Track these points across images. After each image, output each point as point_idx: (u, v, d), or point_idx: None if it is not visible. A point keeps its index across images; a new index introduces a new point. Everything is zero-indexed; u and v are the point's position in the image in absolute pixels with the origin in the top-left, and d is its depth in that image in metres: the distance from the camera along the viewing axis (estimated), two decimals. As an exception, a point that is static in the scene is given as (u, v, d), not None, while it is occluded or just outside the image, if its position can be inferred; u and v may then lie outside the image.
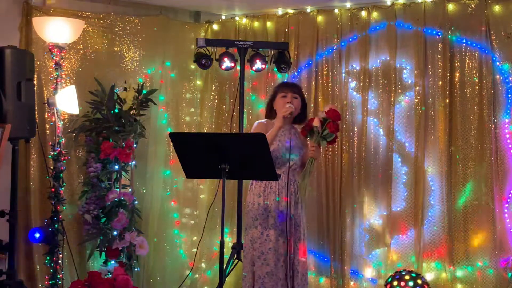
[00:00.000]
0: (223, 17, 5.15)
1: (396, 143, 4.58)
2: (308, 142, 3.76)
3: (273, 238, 3.64)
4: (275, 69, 4.69)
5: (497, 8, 4.32)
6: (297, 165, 3.78)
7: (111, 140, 4.36)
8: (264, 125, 3.79)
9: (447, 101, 4.43)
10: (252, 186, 3.80)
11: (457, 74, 4.44)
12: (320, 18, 4.80)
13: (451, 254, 4.39)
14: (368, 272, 4.60)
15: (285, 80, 4.73)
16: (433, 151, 4.48)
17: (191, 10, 5.19)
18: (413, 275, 4.19)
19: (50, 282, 4.12)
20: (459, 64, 4.43)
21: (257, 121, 3.95)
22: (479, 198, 4.35)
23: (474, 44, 4.38)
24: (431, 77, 4.49)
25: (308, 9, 4.83)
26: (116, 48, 4.72)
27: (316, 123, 3.66)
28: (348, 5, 4.68)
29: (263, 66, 4.61)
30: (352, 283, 4.61)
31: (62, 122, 4.18)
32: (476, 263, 4.33)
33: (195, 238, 4.94)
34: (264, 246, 3.65)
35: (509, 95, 4.29)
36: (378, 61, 4.64)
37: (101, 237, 4.36)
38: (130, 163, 4.48)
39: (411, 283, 4.12)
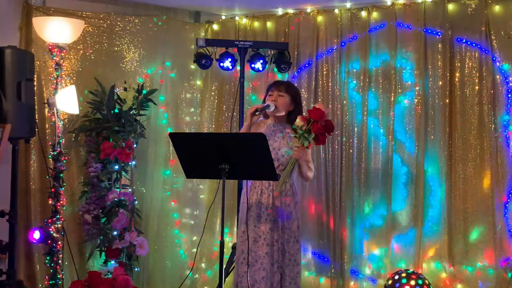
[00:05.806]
0: (223, 17, 5.15)
1: (396, 143, 4.58)
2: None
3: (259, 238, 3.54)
4: (275, 69, 4.69)
5: (497, 8, 4.32)
6: (284, 165, 3.59)
7: (111, 140, 4.36)
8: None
9: (447, 101, 4.43)
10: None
11: (457, 74, 4.44)
12: (320, 18, 4.80)
13: (451, 254, 4.39)
14: (368, 272, 4.60)
15: (282, 80, 4.68)
16: (433, 151, 4.48)
17: (191, 10, 5.19)
18: (413, 275, 4.19)
19: (50, 282, 4.11)
20: (459, 64, 4.43)
21: None
22: (479, 198, 4.35)
23: (474, 44, 4.38)
24: (431, 77, 4.48)
25: (308, 9, 4.83)
26: (116, 48, 4.72)
27: (298, 122, 3.44)
28: (348, 5, 4.68)
29: (263, 66, 4.61)
30: (352, 283, 4.61)
31: (62, 122, 4.17)
32: (476, 263, 4.33)
33: (195, 238, 4.95)
34: (245, 245, 3.54)
35: (509, 95, 4.29)
36: (378, 61, 4.64)
37: (101, 237, 4.37)
38: (130, 163, 4.48)
39: (411, 283, 4.12)
